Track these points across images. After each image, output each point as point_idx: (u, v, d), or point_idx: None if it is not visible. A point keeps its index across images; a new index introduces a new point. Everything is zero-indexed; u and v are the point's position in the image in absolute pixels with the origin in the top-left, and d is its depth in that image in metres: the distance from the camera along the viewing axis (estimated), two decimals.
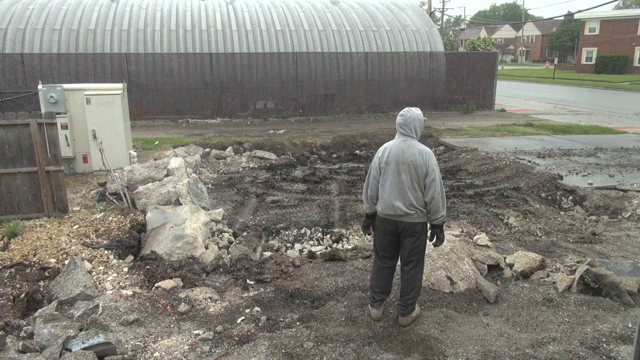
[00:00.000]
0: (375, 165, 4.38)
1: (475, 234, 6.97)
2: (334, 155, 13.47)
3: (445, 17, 62.79)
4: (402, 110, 4.37)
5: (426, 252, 5.42)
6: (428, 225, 4.47)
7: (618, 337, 4.19)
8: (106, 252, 6.12)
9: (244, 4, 21.46)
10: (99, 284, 5.44)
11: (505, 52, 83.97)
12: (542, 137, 15.40)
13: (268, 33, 20.36)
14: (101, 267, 5.79)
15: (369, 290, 4.65)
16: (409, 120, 4.29)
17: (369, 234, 4.76)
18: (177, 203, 7.52)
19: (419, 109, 4.39)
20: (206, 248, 6.40)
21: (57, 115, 7.57)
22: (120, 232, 6.70)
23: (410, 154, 4.22)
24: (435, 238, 4.48)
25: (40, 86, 9.98)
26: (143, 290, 5.35)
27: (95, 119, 9.94)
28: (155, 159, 9.88)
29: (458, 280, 5.15)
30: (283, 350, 4.03)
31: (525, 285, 5.22)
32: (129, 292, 5.12)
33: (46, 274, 5.50)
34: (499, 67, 31.62)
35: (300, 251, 7.05)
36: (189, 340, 4.27)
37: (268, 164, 12.07)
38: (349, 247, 7.07)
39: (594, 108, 23.40)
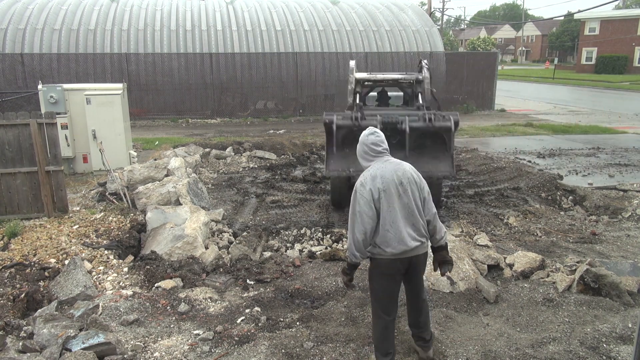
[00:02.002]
0: (366, 200, 3.52)
1: (475, 234, 6.97)
2: None
3: (445, 17, 62.80)
4: (366, 130, 3.79)
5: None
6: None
7: (618, 337, 4.19)
8: (106, 252, 6.12)
9: (244, 4, 21.46)
10: (99, 284, 5.44)
11: (505, 52, 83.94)
12: (542, 137, 15.40)
13: (268, 33, 20.36)
14: (101, 267, 5.79)
15: (376, 356, 3.83)
16: (382, 135, 3.78)
17: (353, 288, 3.98)
18: (177, 203, 7.52)
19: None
20: (206, 248, 6.40)
21: (57, 115, 7.57)
22: (120, 232, 6.69)
23: (403, 171, 3.65)
24: (440, 264, 3.84)
25: (40, 86, 9.98)
26: (143, 290, 5.35)
27: (95, 119, 9.94)
28: (155, 159, 9.88)
29: (458, 280, 5.15)
30: (283, 350, 4.03)
31: (525, 285, 5.22)
32: (129, 292, 5.12)
33: (46, 274, 5.50)
34: (499, 67, 31.61)
35: (300, 251, 7.05)
36: (189, 340, 4.27)
37: (268, 164, 12.06)
38: None
39: (594, 108, 23.40)
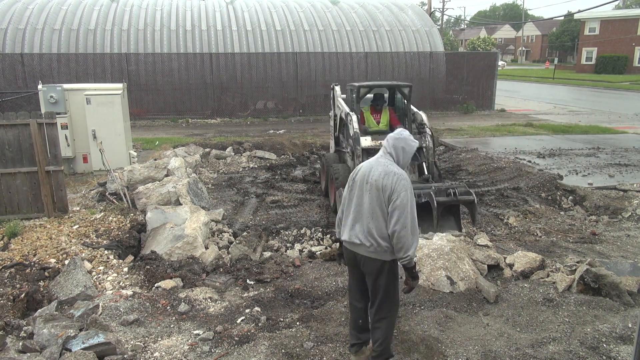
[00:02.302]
0: (347, 185, 3.87)
1: (475, 234, 6.97)
2: None
3: (445, 17, 62.76)
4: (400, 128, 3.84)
5: (426, 251, 5.43)
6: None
7: (618, 337, 4.19)
8: (106, 252, 6.13)
9: (244, 4, 21.46)
10: (99, 284, 5.44)
11: (505, 52, 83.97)
12: (542, 137, 15.39)
13: (268, 33, 20.36)
14: (101, 267, 5.79)
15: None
16: (400, 139, 3.67)
17: (344, 264, 4.13)
18: (177, 203, 7.52)
19: (416, 141, 3.77)
20: (206, 248, 6.40)
21: (57, 115, 7.57)
22: (120, 232, 6.69)
23: (376, 172, 3.60)
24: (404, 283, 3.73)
25: (40, 86, 9.98)
26: (143, 290, 5.35)
27: (95, 119, 9.94)
28: (155, 159, 9.88)
29: (458, 280, 5.15)
30: (283, 350, 4.03)
31: (525, 285, 5.22)
32: (129, 292, 5.12)
33: (46, 274, 5.50)
34: (500, 67, 31.62)
35: (300, 251, 7.05)
36: (189, 340, 4.27)
37: (268, 164, 12.06)
38: None
39: (593, 108, 23.40)
